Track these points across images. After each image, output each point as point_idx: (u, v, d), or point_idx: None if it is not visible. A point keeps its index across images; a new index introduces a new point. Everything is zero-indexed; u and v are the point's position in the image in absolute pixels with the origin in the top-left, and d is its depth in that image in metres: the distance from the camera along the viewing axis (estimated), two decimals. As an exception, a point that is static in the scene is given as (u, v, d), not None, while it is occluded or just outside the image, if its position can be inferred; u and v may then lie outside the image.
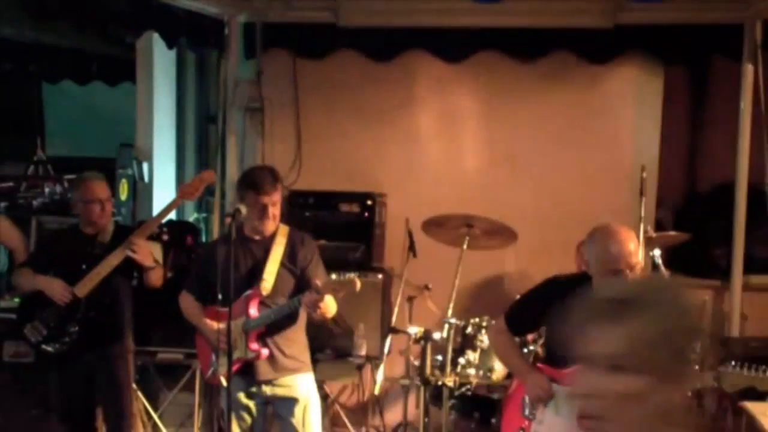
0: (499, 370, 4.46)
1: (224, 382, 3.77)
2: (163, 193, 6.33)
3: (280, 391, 3.92)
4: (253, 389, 3.93)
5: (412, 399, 4.96)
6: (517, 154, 5.73)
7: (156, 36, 5.75)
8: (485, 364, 4.46)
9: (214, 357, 3.90)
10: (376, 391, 4.54)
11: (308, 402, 3.93)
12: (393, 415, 5.27)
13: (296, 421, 3.89)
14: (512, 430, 3.48)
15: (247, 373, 3.88)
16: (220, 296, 3.65)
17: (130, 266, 4.30)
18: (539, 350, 4.26)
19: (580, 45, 5.53)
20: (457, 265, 4.66)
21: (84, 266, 4.24)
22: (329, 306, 3.80)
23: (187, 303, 4.04)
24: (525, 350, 4.33)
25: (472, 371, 4.46)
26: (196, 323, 4.00)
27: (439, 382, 4.37)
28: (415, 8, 5.63)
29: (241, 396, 3.92)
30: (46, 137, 8.09)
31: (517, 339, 3.91)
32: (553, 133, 5.68)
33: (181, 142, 6.88)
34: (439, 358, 4.48)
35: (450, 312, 4.57)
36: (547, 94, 5.68)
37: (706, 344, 1.59)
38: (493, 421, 4.46)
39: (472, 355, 4.47)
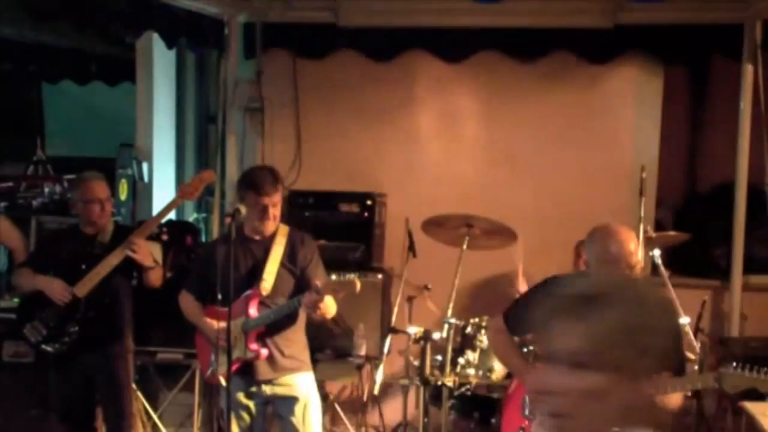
0: (498, 370, 4.46)
1: (223, 382, 3.77)
2: (163, 193, 6.34)
3: (280, 390, 3.92)
4: (253, 389, 3.93)
5: (411, 399, 4.96)
6: (517, 154, 5.73)
7: (156, 36, 5.75)
8: (485, 364, 4.46)
9: (213, 357, 3.90)
10: (376, 391, 4.53)
11: (308, 401, 3.93)
12: (392, 415, 5.27)
13: (296, 420, 3.89)
14: (512, 430, 3.48)
15: (246, 373, 3.88)
16: (219, 296, 3.65)
17: (130, 266, 4.29)
18: (539, 350, 4.25)
19: (580, 45, 5.53)
20: (456, 265, 4.66)
21: (84, 266, 4.24)
22: (329, 306, 3.80)
23: (187, 302, 4.04)
24: (525, 350, 4.33)
25: (471, 371, 4.45)
26: (196, 322, 4.00)
27: (439, 382, 4.37)
28: (415, 8, 5.63)
29: (241, 396, 3.92)
30: (46, 137, 8.10)
31: (516, 339, 3.91)
32: (553, 133, 5.68)
33: (180, 142, 6.88)
34: (439, 358, 4.48)
35: (450, 312, 4.57)
36: (547, 94, 5.68)
37: (670, 344, 1.56)
38: (493, 421, 4.46)
39: (472, 355, 4.47)
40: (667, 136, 5.71)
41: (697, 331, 4.45)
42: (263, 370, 3.89)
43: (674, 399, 3.16)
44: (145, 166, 6.31)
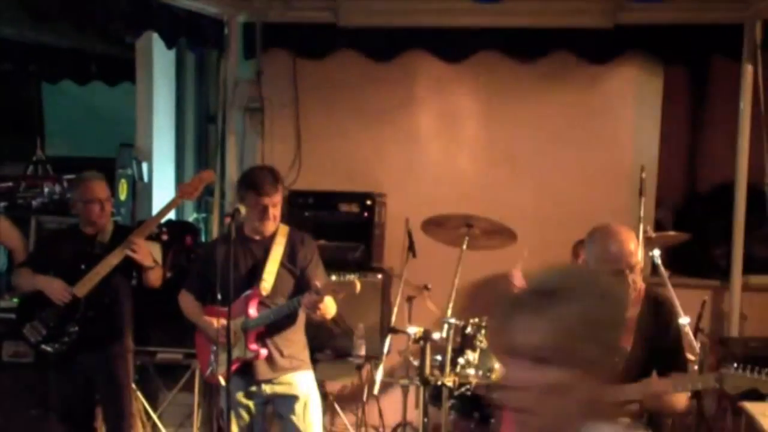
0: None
1: (223, 382, 3.77)
2: (163, 193, 6.33)
3: (280, 389, 3.92)
4: (253, 389, 3.93)
5: (411, 399, 4.96)
6: (517, 154, 5.73)
7: (156, 36, 5.74)
8: (485, 364, 4.45)
9: (213, 357, 3.90)
10: (376, 391, 4.53)
11: (308, 399, 3.94)
12: (392, 415, 5.27)
13: (297, 418, 3.89)
14: (512, 430, 3.47)
15: (246, 373, 3.88)
16: (219, 296, 3.65)
17: (130, 266, 4.30)
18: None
19: (580, 45, 5.53)
20: (456, 265, 4.66)
21: (83, 266, 4.24)
22: (329, 307, 3.80)
23: (187, 302, 4.04)
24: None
25: (471, 371, 4.45)
26: (196, 321, 4.00)
27: (439, 382, 4.36)
28: (415, 8, 5.63)
29: (240, 395, 3.92)
30: (46, 137, 8.10)
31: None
32: (553, 133, 5.68)
33: (180, 142, 6.88)
34: (439, 358, 4.47)
35: (449, 312, 4.56)
36: (547, 94, 5.68)
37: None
38: (493, 421, 4.46)
39: (472, 355, 4.47)
40: (667, 136, 5.71)
41: (697, 331, 4.46)
42: (262, 370, 3.89)
43: (680, 400, 3.16)
44: (144, 166, 6.30)
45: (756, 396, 3.23)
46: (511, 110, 5.75)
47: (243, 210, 3.81)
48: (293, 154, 5.87)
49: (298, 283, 3.91)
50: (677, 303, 3.77)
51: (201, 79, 7.07)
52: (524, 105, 5.72)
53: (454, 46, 5.68)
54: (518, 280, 4.85)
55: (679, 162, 6.04)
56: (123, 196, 6.17)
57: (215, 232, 5.88)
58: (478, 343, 4.49)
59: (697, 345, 4.15)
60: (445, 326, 4.48)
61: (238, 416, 3.93)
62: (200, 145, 7.05)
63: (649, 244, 4.37)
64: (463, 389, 4.50)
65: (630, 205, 4.92)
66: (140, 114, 6.49)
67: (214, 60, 6.55)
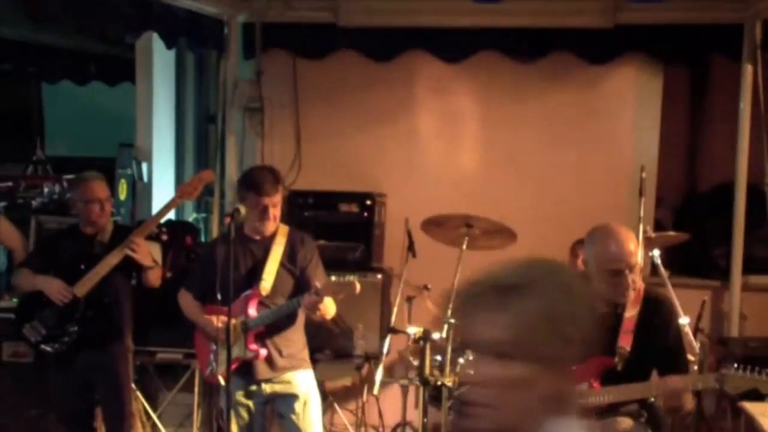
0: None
1: (222, 381, 3.77)
2: (163, 193, 6.33)
3: (279, 388, 3.93)
4: (252, 388, 3.93)
5: (411, 399, 4.95)
6: (517, 154, 5.73)
7: (155, 36, 5.74)
8: (485, 364, 4.45)
9: (212, 356, 3.90)
10: (375, 391, 4.52)
11: (308, 398, 3.94)
12: (392, 415, 5.26)
13: (297, 417, 3.90)
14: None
15: (245, 373, 3.88)
16: (219, 296, 3.65)
17: (130, 266, 4.30)
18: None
19: (580, 45, 5.53)
20: (456, 265, 4.65)
21: (83, 266, 4.24)
22: (328, 307, 3.80)
23: (186, 301, 4.04)
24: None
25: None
26: (195, 319, 4.00)
27: (438, 382, 4.36)
28: (415, 8, 5.62)
29: (240, 395, 3.92)
30: (46, 137, 8.09)
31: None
32: (552, 133, 5.68)
33: (180, 142, 6.88)
34: (438, 358, 4.47)
35: (449, 312, 4.56)
36: (546, 94, 5.68)
37: (594, 333, 1.54)
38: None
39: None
40: (666, 136, 5.71)
41: (696, 331, 4.45)
42: (262, 369, 3.89)
43: (689, 399, 3.15)
44: (144, 166, 6.30)
45: (756, 396, 3.24)
46: (511, 110, 5.75)
47: (243, 210, 3.81)
48: (293, 154, 5.87)
49: (298, 283, 3.92)
50: (677, 303, 3.77)
51: (201, 79, 7.07)
52: (524, 105, 5.72)
53: (454, 46, 5.68)
54: None
55: (679, 162, 6.04)
56: (123, 196, 6.17)
57: (215, 232, 5.88)
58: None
59: (696, 345, 4.15)
60: (445, 326, 4.48)
61: (238, 416, 3.93)
62: (200, 145, 7.05)
63: (648, 244, 4.37)
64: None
65: (630, 204, 4.92)
66: (140, 114, 6.49)
67: (214, 60, 6.55)
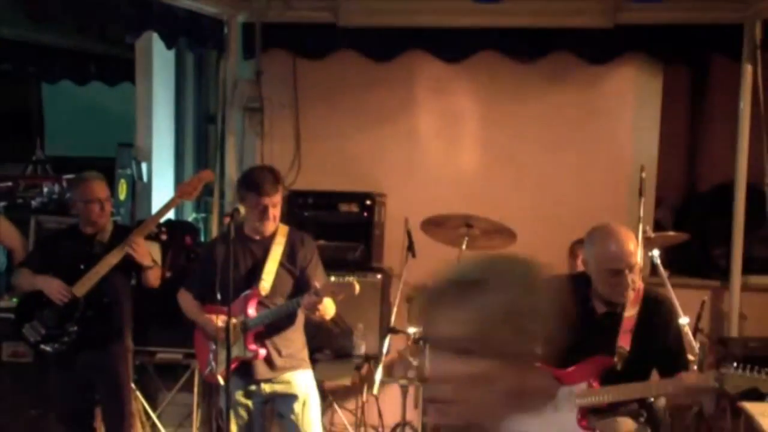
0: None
1: (222, 381, 3.77)
2: (162, 192, 6.33)
3: (279, 388, 3.93)
4: (252, 388, 3.93)
5: (410, 399, 4.95)
6: (517, 155, 5.73)
7: (155, 36, 5.74)
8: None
9: (211, 356, 3.91)
10: (375, 391, 4.53)
11: (307, 398, 3.94)
12: (391, 415, 5.26)
13: (296, 417, 3.90)
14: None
15: (245, 373, 3.88)
16: (219, 296, 3.65)
17: (129, 266, 4.30)
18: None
19: (580, 45, 5.53)
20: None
21: (83, 266, 4.24)
22: (328, 308, 3.80)
23: (186, 300, 4.04)
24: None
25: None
26: (195, 318, 4.00)
27: (438, 382, 4.36)
28: (415, 8, 5.62)
29: (240, 395, 3.92)
30: (46, 137, 8.10)
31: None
32: (552, 134, 5.68)
33: (180, 142, 6.88)
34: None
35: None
36: (546, 94, 5.68)
37: (555, 327, 1.53)
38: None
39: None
40: (666, 136, 5.71)
41: (696, 331, 4.45)
42: (261, 369, 3.89)
43: (707, 399, 3.15)
44: (144, 166, 6.31)
45: (755, 396, 3.24)
46: (511, 110, 5.75)
47: (242, 210, 3.81)
48: (293, 154, 5.87)
49: (298, 284, 3.92)
50: (677, 303, 3.77)
51: (200, 79, 7.07)
52: (524, 105, 5.72)
53: (453, 46, 5.68)
54: None
55: (679, 162, 6.04)
56: (122, 196, 6.17)
57: (214, 232, 5.88)
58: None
59: (696, 345, 4.15)
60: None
61: (238, 416, 3.93)
62: (200, 145, 7.05)
63: (648, 244, 4.37)
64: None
65: (629, 204, 4.92)
66: (140, 114, 6.49)
67: (214, 60, 6.54)
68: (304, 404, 3.92)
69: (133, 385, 4.64)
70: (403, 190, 5.75)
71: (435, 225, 4.85)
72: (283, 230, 3.97)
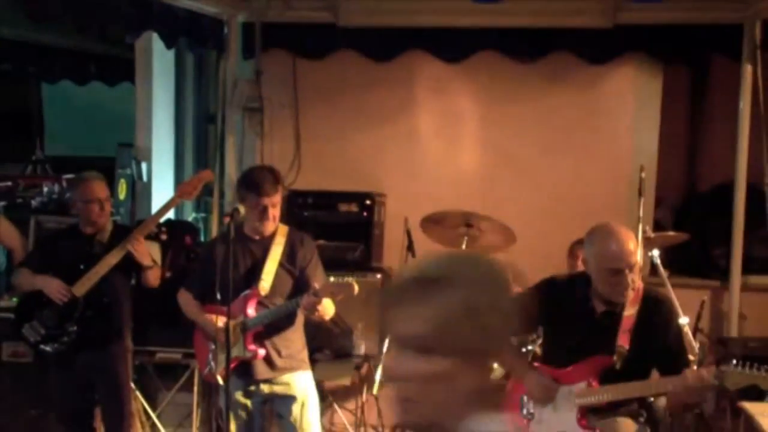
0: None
1: (221, 381, 3.77)
2: (162, 192, 6.33)
3: (278, 389, 3.93)
4: (251, 388, 3.93)
5: (410, 399, 4.94)
6: (517, 154, 5.73)
7: (155, 36, 5.75)
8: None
9: (211, 356, 3.90)
10: (375, 391, 4.52)
11: (306, 399, 3.93)
12: (391, 415, 5.26)
13: (294, 418, 3.89)
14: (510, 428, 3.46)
15: (244, 372, 3.88)
16: (219, 296, 3.65)
17: (129, 266, 4.29)
18: (537, 350, 4.26)
19: (580, 45, 5.53)
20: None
21: (82, 266, 4.24)
22: (327, 308, 3.80)
23: (186, 300, 4.04)
24: (524, 350, 4.33)
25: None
26: (195, 319, 4.00)
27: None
28: (415, 8, 5.62)
29: (239, 395, 3.92)
30: (46, 137, 8.11)
31: (515, 339, 3.91)
32: (552, 134, 5.68)
33: (180, 141, 6.88)
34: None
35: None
36: (546, 94, 5.68)
37: (515, 324, 1.52)
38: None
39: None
40: (666, 136, 5.71)
41: (696, 331, 4.45)
42: (261, 369, 3.89)
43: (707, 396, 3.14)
44: (144, 165, 6.31)
45: (755, 395, 3.23)
46: (511, 110, 5.75)
47: (242, 209, 3.81)
48: (292, 154, 5.87)
49: (297, 284, 3.91)
50: (677, 303, 3.76)
51: (200, 79, 7.07)
52: (524, 105, 5.72)
53: (453, 46, 5.68)
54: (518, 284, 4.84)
55: (679, 162, 6.05)
56: (122, 195, 6.17)
57: (214, 232, 5.88)
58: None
59: (696, 345, 4.15)
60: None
61: (237, 416, 3.93)
62: (199, 145, 7.05)
63: (648, 244, 4.37)
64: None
65: (629, 204, 4.92)
66: (140, 114, 6.49)
67: (214, 60, 6.55)
68: (302, 405, 3.91)
69: (132, 385, 4.64)
70: (403, 190, 5.75)
71: (434, 223, 4.84)
72: (283, 230, 3.97)
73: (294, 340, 3.97)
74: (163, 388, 5.31)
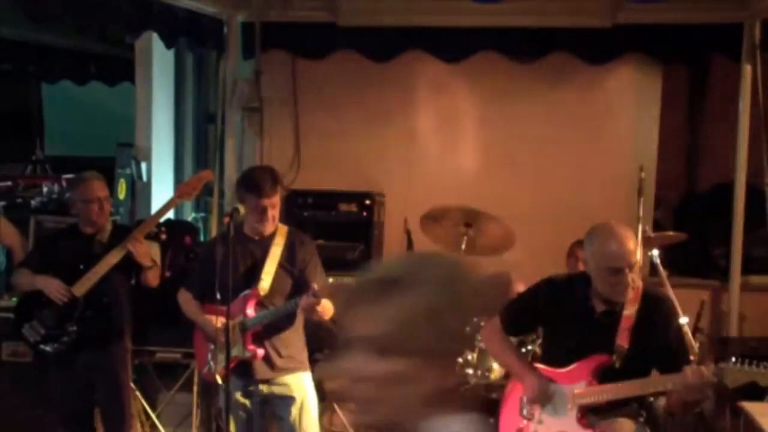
0: (497, 369, 4.45)
1: (220, 380, 3.77)
2: (162, 192, 6.33)
3: (277, 390, 3.92)
4: (251, 388, 3.93)
5: (410, 399, 4.94)
6: (516, 155, 5.73)
7: (155, 36, 5.75)
8: (483, 363, 4.45)
9: (210, 356, 3.90)
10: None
11: (305, 400, 3.93)
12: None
13: (293, 419, 3.89)
14: (510, 430, 3.47)
15: (244, 373, 3.88)
16: (218, 296, 3.65)
17: (129, 265, 4.29)
18: (537, 350, 4.26)
19: (580, 45, 5.54)
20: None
21: (82, 266, 4.23)
22: (327, 309, 3.79)
23: (185, 300, 4.04)
24: (523, 350, 4.33)
25: (470, 371, 4.44)
26: (195, 319, 4.00)
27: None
28: (414, 8, 5.63)
29: (239, 395, 3.92)
30: (46, 137, 8.11)
31: (515, 339, 3.91)
32: (551, 134, 5.68)
33: (179, 141, 6.88)
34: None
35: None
36: (546, 94, 5.69)
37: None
38: (491, 421, 4.44)
39: (471, 355, 4.46)
40: (666, 136, 5.72)
41: (695, 331, 4.45)
42: (260, 369, 3.88)
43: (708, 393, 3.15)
44: (143, 165, 6.30)
45: (755, 393, 3.23)
46: (510, 110, 5.75)
47: (242, 209, 3.81)
48: (292, 154, 5.88)
49: (297, 284, 3.91)
50: (676, 303, 3.76)
51: (200, 79, 7.08)
52: (523, 105, 5.72)
53: (453, 46, 5.68)
54: (518, 284, 4.84)
55: (678, 162, 6.05)
56: (122, 195, 6.17)
57: (214, 232, 5.88)
58: (477, 342, 4.49)
59: (695, 345, 4.15)
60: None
61: (236, 416, 3.93)
62: (199, 145, 7.05)
63: (647, 243, 4.37)
64: (461, 389, 4.50)
65: (629, 204, 4.91)
66: (139, 114, 6.49)
67: (213, 60, 6.55)
68: (301, 407, 3.91)
69: (132, 385, 4.64)
70: (403, 190, 5.75)
71: (434, 220, 4.83)
72: (283, 230, 3.97)
73: (294, 340, 3.97)
74: (162, 388, 5.30)
